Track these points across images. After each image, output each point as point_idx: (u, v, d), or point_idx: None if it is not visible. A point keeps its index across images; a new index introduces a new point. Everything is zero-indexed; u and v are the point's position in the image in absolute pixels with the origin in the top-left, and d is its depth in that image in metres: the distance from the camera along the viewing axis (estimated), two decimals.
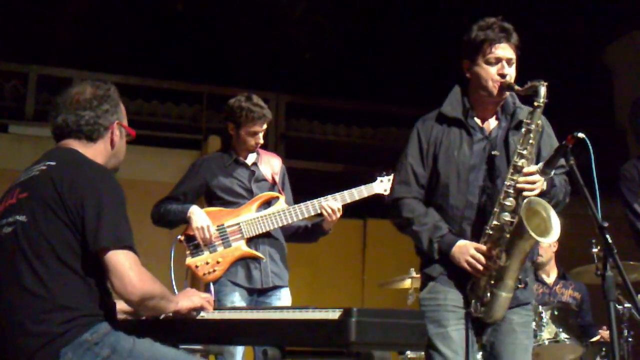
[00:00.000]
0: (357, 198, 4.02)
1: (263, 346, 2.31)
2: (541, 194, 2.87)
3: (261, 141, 4.07)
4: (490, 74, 2.95)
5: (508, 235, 2.82)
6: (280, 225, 3.96)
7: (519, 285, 2.90)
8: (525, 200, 2.77)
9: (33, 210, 2.29)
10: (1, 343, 2.23)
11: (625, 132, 8.86)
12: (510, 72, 2.98)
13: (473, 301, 2.90)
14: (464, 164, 2.96)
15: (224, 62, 9.71)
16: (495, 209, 2.86)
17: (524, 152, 2.85)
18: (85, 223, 2.25)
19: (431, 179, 3.03)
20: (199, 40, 9.90)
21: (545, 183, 2.89)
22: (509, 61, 2.96)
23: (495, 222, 2.86)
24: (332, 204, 3.94)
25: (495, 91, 2.95)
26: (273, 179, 4.11)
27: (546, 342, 4.54)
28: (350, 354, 2.19)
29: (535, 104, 2.87)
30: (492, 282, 2.86)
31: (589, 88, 9.27)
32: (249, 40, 9.91)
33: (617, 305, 4.44)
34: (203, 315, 2.49)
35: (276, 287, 3.97)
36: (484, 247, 2.86)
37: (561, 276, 5.28)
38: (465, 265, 2.87)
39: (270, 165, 4.16)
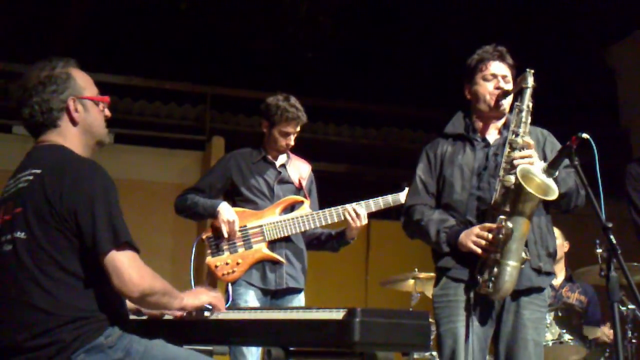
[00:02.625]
0: (382, 207, 3.99)
1: (267, 346, 2.32)
2: (556, 201, 2.96)
3: (292, 143, 4.06)
4: (488, 88, 3.18)
5: (509, 207, 2.92)
6: (303, 230, 3.94)
7: (526, 257, 2.93)
8: (518, 169, 2.90)
9: (30, 224, 2.23)
10: (8, 355, 2.19)
11: (629, 133, 8.85)
12: (507, 88, 3.18)
13: (481, 277, 2.94)
14: (467, 165, 3.14)
15: (228, 63, 9.71)
16: (496, 187, 3.01)
17: (519, 130, 3.04)
18: (82, 229, 2.20)
19: (439, 184, 3.20)
20: (203, 41, 9.89)
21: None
22: (504, 77, 3.19)
23: (496, 199, 2.99)
24: (357, 209, 3.91)
25: (493, 102, 3.16)
26: (300, 183, 4.09)
27: (550, 343, 4.53)
28: (354, 354, 2.19)
29: (524, 85, 3.08)
30: (499, 256, 2.92)
31: (592, 88, 9.25)
32: (252, 40, 9.90)
33: (621, 307, 4.43)
34: (217, 315, 2.46)
35: (291, 290, 3.96)
36: (488, 225, 2.96)
37: (568, 279, 5.23)
38: (472, 245, 2.96)
39: (299, 170, 4.14)
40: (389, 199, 3.99)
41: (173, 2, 9.52)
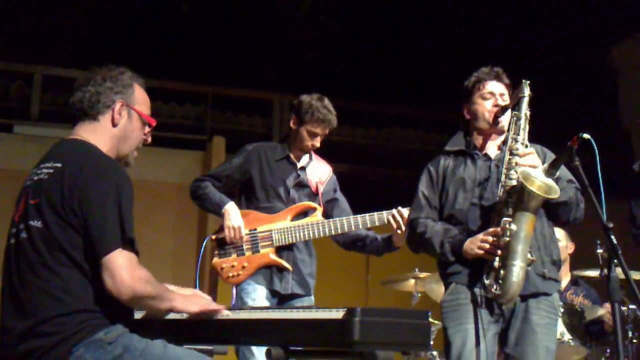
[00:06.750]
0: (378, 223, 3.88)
1: (267, 346, 2.32)
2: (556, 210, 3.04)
3: (318, 145, 3.96)
4: (486, 106, 3.25)
5: (511, 210, 2.95)
6: (312, 237, 3.85)
7: (531, 258, 2.94)
8: (519, 171, 2.96)
9: (45, 215, 2.28)
10: (16, 342, 2.23)
11: (630, 133, 8.85)
12: (505, 105, 3.22)
13: (488, 281, 2.96)
14: (469, 176, 3.19)
15: (228, 63, 9.72)
16: (499, 194, 3.04)
17: (518, 137, 3.09)
18: (88, 227, 2.24)
19: (441, 198, 3.24)
20: (204, 41, 9.90)
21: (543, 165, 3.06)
22: (501, 95, 3.26)
23: (499, 203, 3.02)
24: (402, 211, 3.74)
25: (491, 119, 3.23)
26: (317, 188, 4.00)
27: None
28: (354, 353, 2.18)
29: (520, 95, 3.14)
30: (505, 258, 2.93)
31: (593, 89, 9.25)
32: (253, 40, 9.91)
33: (621, 307, 4.42)
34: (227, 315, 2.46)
35: (297, 296, 3.88)
36: (492, 230, 2.98)
37: (573, 282, 5.19)
38: (478, 251, 2.98)
39: (318, 173, 4.04)
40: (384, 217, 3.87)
41: (175, 3, 9.53)
